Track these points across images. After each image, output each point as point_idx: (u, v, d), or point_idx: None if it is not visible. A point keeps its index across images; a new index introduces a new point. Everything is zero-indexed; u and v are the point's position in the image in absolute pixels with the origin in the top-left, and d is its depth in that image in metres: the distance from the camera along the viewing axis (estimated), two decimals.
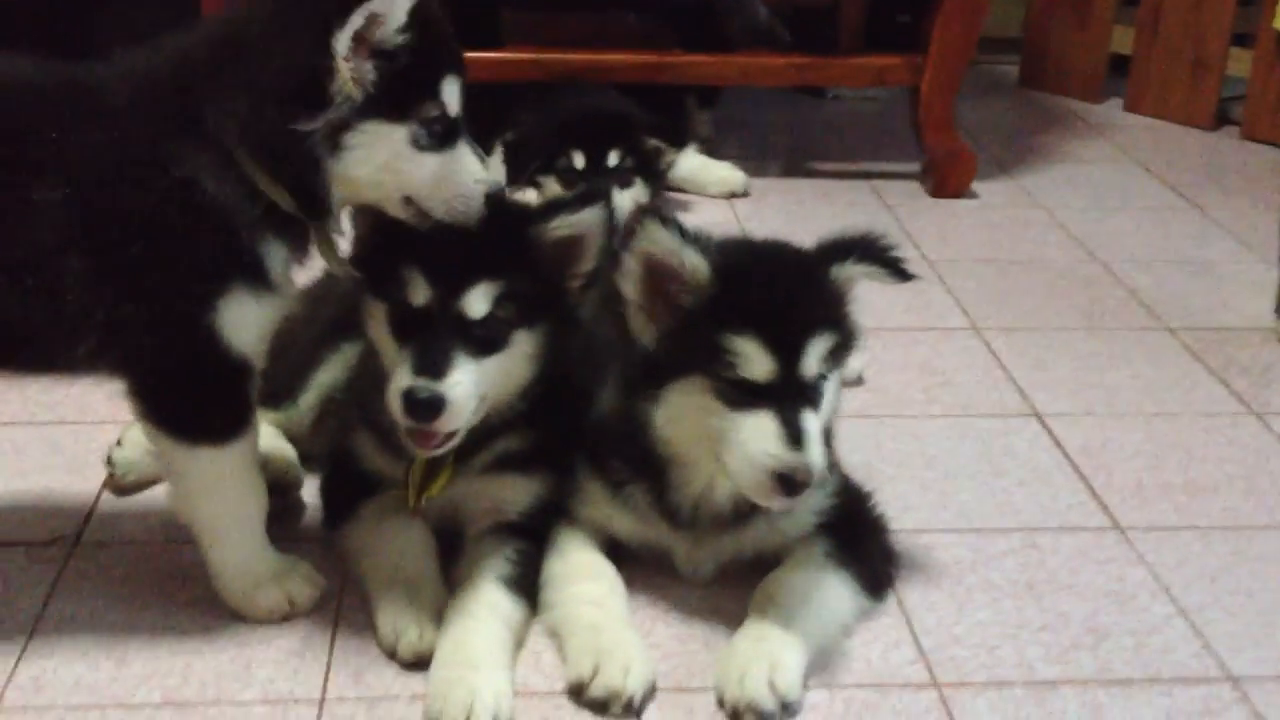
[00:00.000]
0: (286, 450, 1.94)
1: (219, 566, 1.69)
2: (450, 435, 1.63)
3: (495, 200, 1.64)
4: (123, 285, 1.51)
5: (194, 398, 1.60)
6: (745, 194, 3.30)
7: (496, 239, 1.64)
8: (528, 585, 1.71)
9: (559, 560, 1.74)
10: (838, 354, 1.62)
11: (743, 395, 1.58)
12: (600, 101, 3.21)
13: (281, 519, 1.85)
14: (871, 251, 1.65)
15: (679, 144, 3.19)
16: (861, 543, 1.76)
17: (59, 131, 1.50)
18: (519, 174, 3.09)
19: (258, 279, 1.55)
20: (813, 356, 1.58)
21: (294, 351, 2.02)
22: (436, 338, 1.59)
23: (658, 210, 1.65)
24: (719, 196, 3.28)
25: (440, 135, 1.57)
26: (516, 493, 1.76)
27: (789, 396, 1.57)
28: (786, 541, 1.74)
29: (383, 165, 1.54)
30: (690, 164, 3.29)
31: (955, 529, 1.97)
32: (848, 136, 3.88)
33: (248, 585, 1.69)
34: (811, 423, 1.57)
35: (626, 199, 3.08)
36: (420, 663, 1.60)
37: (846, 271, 1.64)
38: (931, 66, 3.30)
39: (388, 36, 1.50)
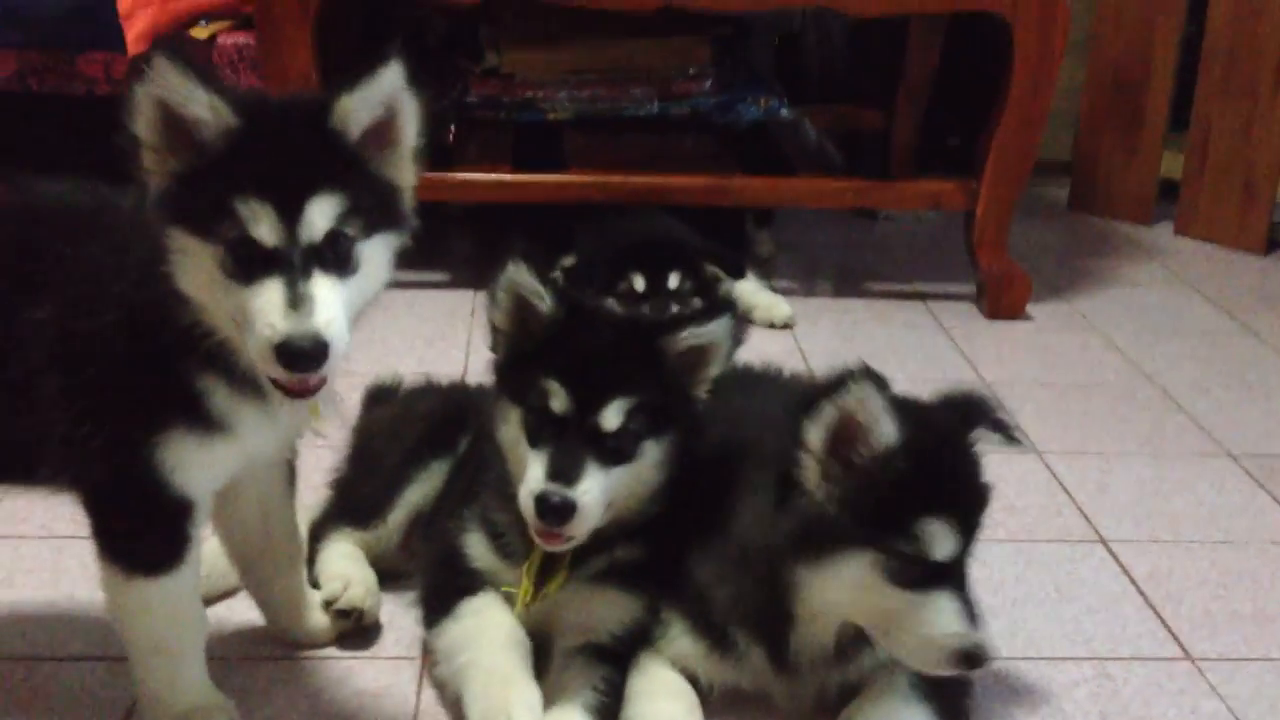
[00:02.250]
0: (368, 577, 1.95)
1: (141, 692, 1.67)
2: (572, 539, 1.68)
3: (629, 315, 1.70)
4: (76, 408, 1.52)
5: (131, 528, 1.58)
6: (789, 325, 3.29)
7: (632, 353, 1.70)
8: (610, 715, 1.71)
9: (639, 677, 1.75)
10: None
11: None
12: (660, 226, 3.28)
13: (357, 639, 1.89)
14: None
15: (738, 274, 3.25)
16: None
17: (55, 252, 1.54)
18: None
19: (198, 418, 1.53)
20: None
21: (380, 470, 2.06)
22: (570, 446, 1.65)
23: (873, 371, 1.62)
24: (762, 325, 3.29)
25: (245, 263, 1.44)
26: (615, 611, 1.77)
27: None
28: (874, 670, 1.74)
29: (199, 285, 1.47)
30: (742, 289, 3.33)
31: (1026, 657, 1.96)
32: (901, 257, 3.93)
33: (165, 716, 1.66)
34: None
35: None
36: None
37: (983, 438, 1.69)
38: (986, 190, 3.35)
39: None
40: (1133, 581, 2.18)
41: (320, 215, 1.43)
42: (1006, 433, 1.71)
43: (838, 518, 1.60)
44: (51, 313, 1.52)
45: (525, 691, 1.65)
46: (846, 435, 1.60)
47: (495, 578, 1.79)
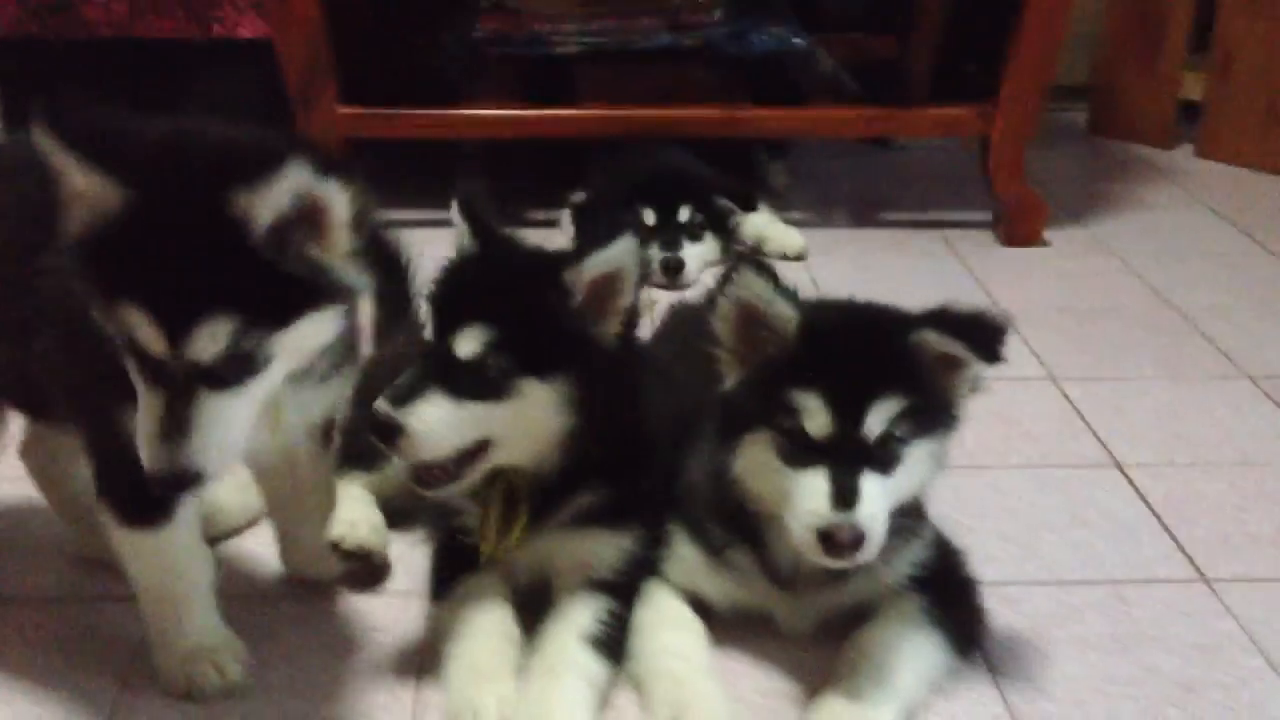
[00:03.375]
0: (374, 517, 1.95)
1: (150, 633, 1.68)
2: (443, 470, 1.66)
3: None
4: (65, 367, 1.52)
5: (121, 483, 1.56)
6: (801, 258, 3.25)
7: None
8: (615, 645, 1.70)
9: (646, 609, 1.74)
10: (919, 421, 1.59)
11: (802, 452, 1.58)
12: (671, 159, 3.25)
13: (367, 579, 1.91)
14: (956, 325, 1.58)
15: (749, 207, 3.22)
16: (954, 601, 1.74)
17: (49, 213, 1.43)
18: (590, 231, 3.13)
19: None
20: (876, 417, 1.56)
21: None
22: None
23: (756, 259, 1.63)
24: (774, 257, 3.24)
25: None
26: (605, 549, 1.76)
27: (847, 456, 1.56)
28: (881, 594, 1.73)
29: None
30: (754, 222, 3.30)
31: (1039, 581, 1.95)
32: (916, 186, 3.89)
33: (175, 662, 1.67)
34: (872, 485, 1.55)
35: (697, 254, 3.12)
36: None
37: (927, 340, 1.59)
38: (1002, 116, 3.30)
39: None
40: (1148, 505, 2.16)
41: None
42: (977, 345, 1.56)
43: (744, 400, 1.63)
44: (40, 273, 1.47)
45: (499, 686, 1.63)
46: (752, 322, 1.62)
47: (470, 519, 1.77)
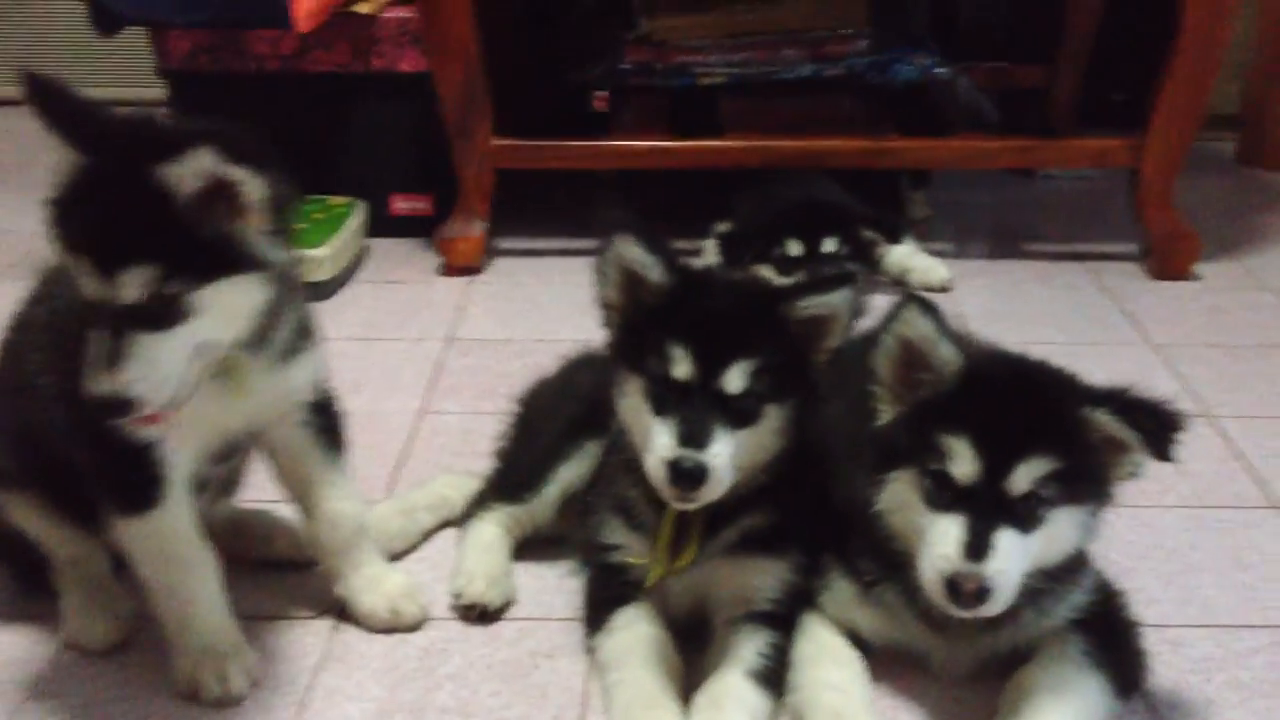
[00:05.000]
0: (494, 569, 1.99)
1: (169, 639, 1.80)
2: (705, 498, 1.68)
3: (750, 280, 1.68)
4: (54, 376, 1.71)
5: (106, 469, 1.72)
6: (945, 289, 3.23)
7: (753, 317, 1.69)
8: (776, 679, 1.73)
9: (805, 642, 1.77)
10: (1070, 488, 1.59)
11: (944, 496, 1.59)
12: (817, 190, 3.27)
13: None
14: (1132, 412, 1.58)
15: (894, 237, 3.23)
16: (1115, 642, 1.74)
17: None
18: (735, 262, 3.17)
19: None
20: (1024, 473, 1.56)
21: (536, 445, 2.11)
22: (696, 411, 1.64)
23: (923, 298, 1.67)
24: (919, 288, 3.22)
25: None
26: (765, 577, 1.79)
27: (988, 507, 1.56)
28: (1041, 637, 1.73)
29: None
30: (898, 253, 3.30)
31: (1201, 625, 1.93)
32: (1060, 217, 3.85)
33: (186, 663, 1.78)
34: (1006, 539, 1.55)
35: None
36: None
37: (1098, 419, 1.59)
38: (1153, 147, 3.25)
39: None
40: None
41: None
42: (1150, 436, 1.57)
43: (895, 438, 1.65)
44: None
45: (665, 714, 1.67)
46: (912, 362, 1.64)
47: (637, 565, 1.81)
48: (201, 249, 1.55)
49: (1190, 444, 2.40)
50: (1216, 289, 3.27)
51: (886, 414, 1.70)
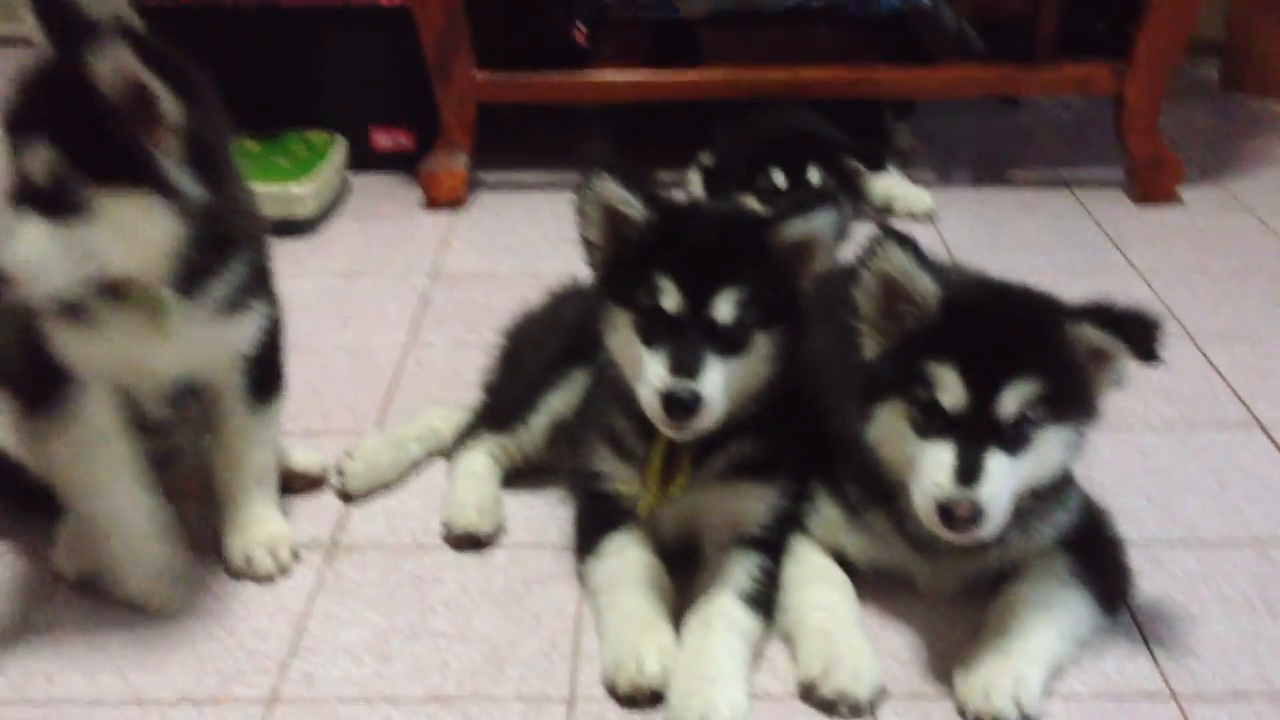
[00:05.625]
0: (485, 498, 2.00)
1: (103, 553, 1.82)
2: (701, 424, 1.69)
3: (732, 208, 1.68)
4: None
5: (19, 371, 1.77)
6: (929, 217, 3.24)
7: (737, 245, 1.70)
8: (766, 601, 1.75)
9: (794, 565, 1.79)
10: (1057, 408, 1.60)
11: (933, 424, 1.60)
12: (799, 120, 3.26)
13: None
14: (1115, 321, 1.60)
15: (877, 166, 3.22)
16: (1100, 559, 1.76)
17: None
18: (719, 193, 3.16)
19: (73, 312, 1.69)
20: (1011, 397, 1.57)
21: (523, 376, 2.12)
22: (687, 341, 1.66)
23: (900, 232, 1.67)
24: (902, 217, 3.25)
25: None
26: (755, 503, 1.81)
27: (977, 432, 1.58)
28: (1026, 557, 1.75)
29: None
30: (882, 182, 3.30)
31: (1185, 542, 1.96)
32: (1044, 144, 3.85)
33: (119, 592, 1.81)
34: (997, 463, 1.57)
35: None
36: (638, 697, 1.63)
37: (1080, 333, 1.61)
38: (1138, 73, 3.25)
39: None
40: None
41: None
42: (1134, 343, 1.59)
43: (883, 371, 1.66)
44: None
45: (658, 635, 1.69)
46: (893, 296, 1.66)
47: (627, 494, 1.82)
48: (110, 149, 1.57)
49: (1174, 366, 2.45)
50: (1200, 213, 3.29)
51: (871, 349, 1.71)
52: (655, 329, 1.68)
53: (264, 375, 1.90)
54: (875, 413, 1.68)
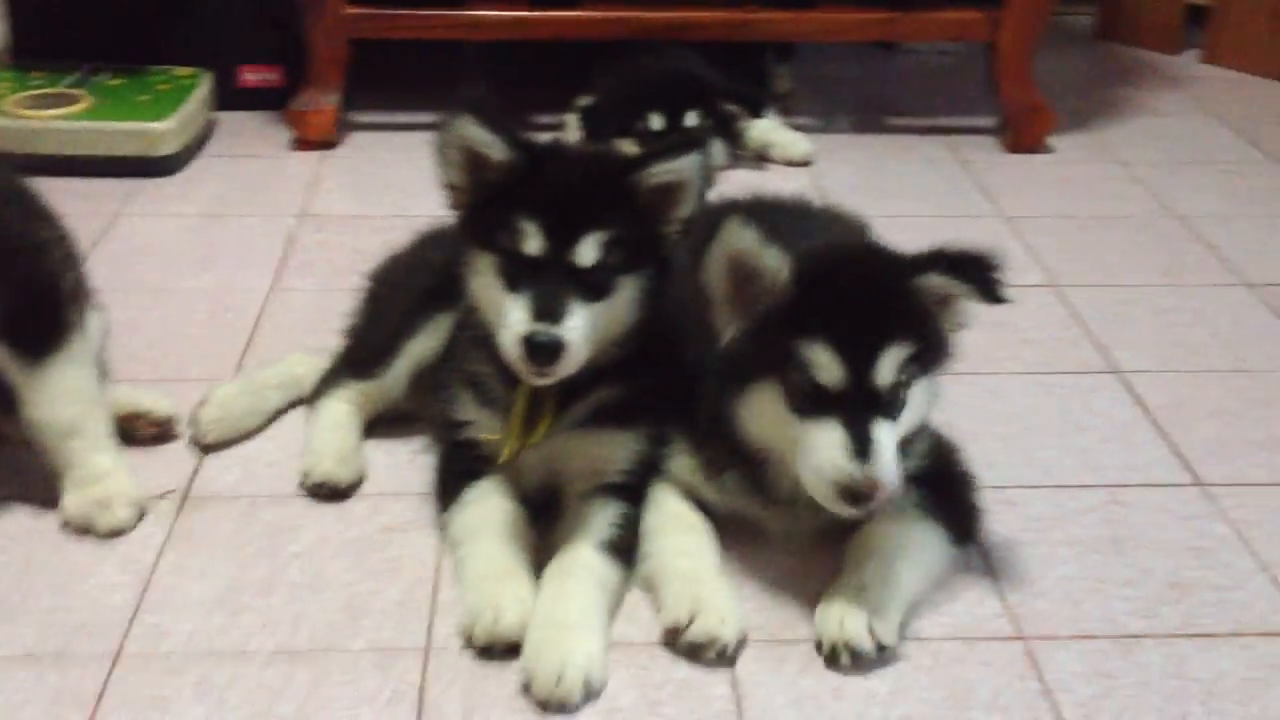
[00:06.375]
0: (344, 447, 1.97)
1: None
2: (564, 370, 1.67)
3: (597, 150, 1.67)
4: None
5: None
6: (807, 163, 3.25)
7: (601, 188, 1.68)
8: (627, 549, 1.75)
9: (655, 513, 1.79)
10: (922, 363, 1.62)
11: (813, 403, 1.60)
12: (678, 63, 3.23)
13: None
14: (958, 267, 1.62)
15: (756, 112, 3.21)
16: (950, 494, 1.79)
17: None
18: (597, 136, 3.13)
19: None
20: (888, 365, 1.59)
21: (386, 321, 2.08)
22: (550, 285, 1.63)
23: (743, 211, 1.66)
24: (780, 163, 3.26)
25: None
26: (617, 450, 1.80)
27: (859, 405, 1.59)
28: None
29: None
30: (760, 127, 3.29)
31: (1038, 485, 2.00)
32: (922, 91, 3.87)
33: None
34: (884, 433, 1.58)
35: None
36: (494, 648, 1.62)
37: (928, 283, 1.63)
38: (1010, 20, 3.28)
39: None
40: (1146, 411, 2.20)
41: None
42: (980, 286, 1.61)
43: (746, 352, 1.65)
44: None
45: (517, 586, 1.67)
46: (744, 275, 1.64)
47: (488, 441, 1.80)
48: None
49: (1036, 312, 2.51)
50: (1068, 161, 3.34)
51: (729, 330, 1.69)
52: (518, 273, 1.66)
53: (30, 326, 1.80)
54: (746, 395, 1.67)
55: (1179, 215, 3.01)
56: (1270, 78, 3.98)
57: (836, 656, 1.61)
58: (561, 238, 1.64)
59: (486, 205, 1.70)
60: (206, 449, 2.03)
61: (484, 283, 1.71)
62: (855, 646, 1.60)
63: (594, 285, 1.66)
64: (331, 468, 1.93)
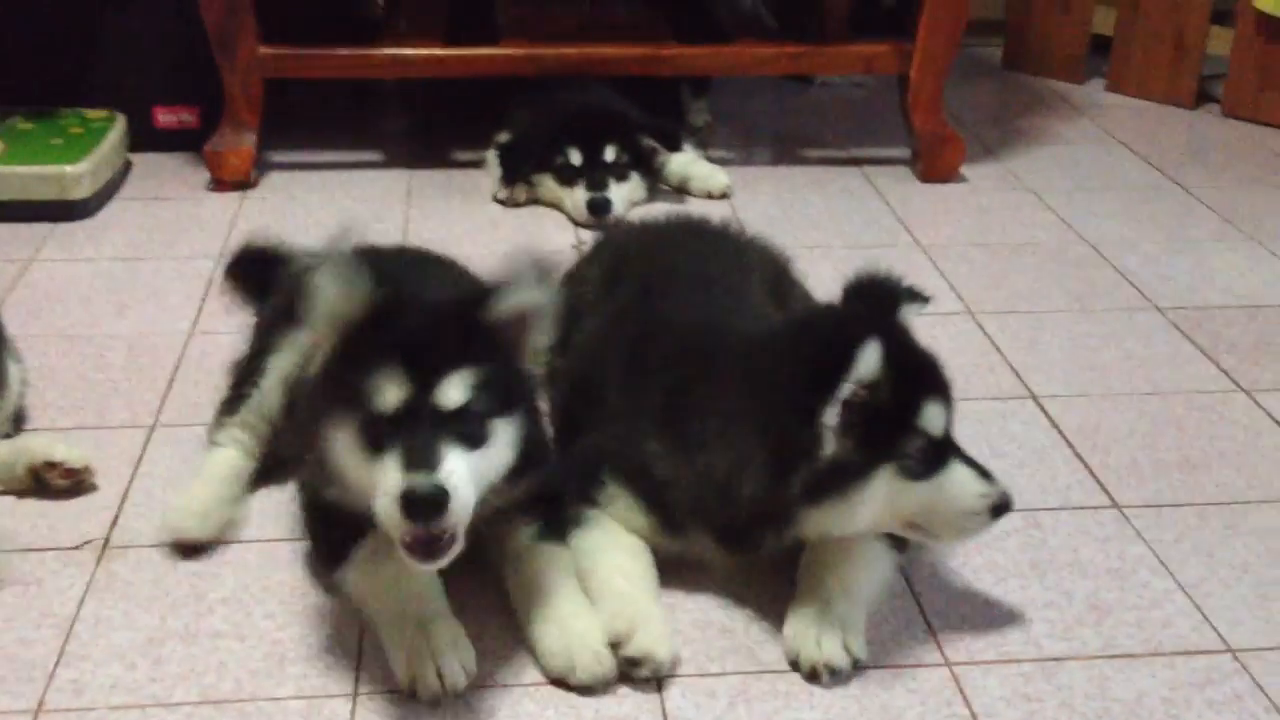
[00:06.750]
0: (210, 500, 1.93)
1: None
2: (453, 541, 1.54)
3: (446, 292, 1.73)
4: None
5: None
6: (726, 196, 3.28)
7: (456, 325, 1.61)
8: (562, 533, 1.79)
9: (594, 533, 1.79)
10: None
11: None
12: (596, 98, 3.26)
13: None
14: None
15: (674, 145, 3.24)
16: None
17: None
18: (515, 172, 3.15)
19: None
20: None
21: (251, 345, 2.09)
22: (420, 434, 1.51)
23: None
24: (699, 196, 3.29)
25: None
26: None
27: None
28: None
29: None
30: (679, 161, 3.31)
31: None
32: (837, 123, 3.92)
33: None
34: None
35: (623, 194, 3.14)
36: (441, 702, 1.59)
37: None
38: (920, 53, 3.34)
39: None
40: (1062, 434, 2.25)
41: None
42: (921, 297, 1.78)
43: (855, 457, 1.62)
44: None
45: (448, 630, 1.63)
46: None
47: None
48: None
49: (952, 339, 2.55)
50: (980, 190, 3.40)
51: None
52: (382, 431, 1.53)
53: None
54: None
55: (1088, 241, 3.07)
56: (1171, 104, 4.10)
57: (817, 676, 1.65)
58: (422, 381, 1.53)
59: (339, 362, 1.60)
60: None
61: (346, 450, 1.57)
62: (834, 665, 1.65)
63: (469, 435, 1.54)
64: (187, 524, 1.88)
